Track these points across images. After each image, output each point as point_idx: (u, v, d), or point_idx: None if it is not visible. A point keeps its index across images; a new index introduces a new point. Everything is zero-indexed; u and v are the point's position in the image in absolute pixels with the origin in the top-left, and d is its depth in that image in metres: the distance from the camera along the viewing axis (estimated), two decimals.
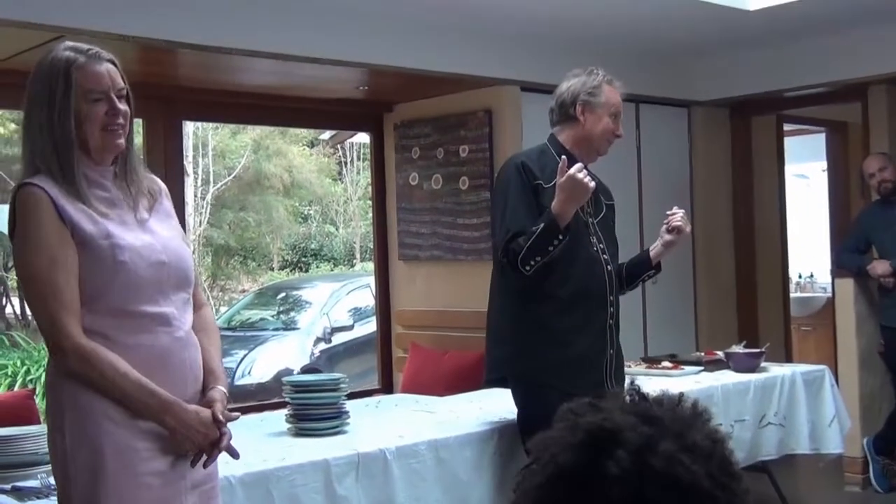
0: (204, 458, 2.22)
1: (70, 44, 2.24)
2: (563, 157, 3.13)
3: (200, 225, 11.13)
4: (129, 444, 2.14)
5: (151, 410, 2.14)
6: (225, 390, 2.31)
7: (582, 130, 3.29)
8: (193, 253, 10.35)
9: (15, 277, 11.10)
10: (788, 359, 6.54)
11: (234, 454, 2.30)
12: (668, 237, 3.46)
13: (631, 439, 1.08)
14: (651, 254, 3.50)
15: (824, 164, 7.91)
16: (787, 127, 7.11)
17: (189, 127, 10.35)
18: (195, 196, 10.79)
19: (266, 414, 4.15)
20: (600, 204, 3.36)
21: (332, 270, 15.23)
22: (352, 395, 5.21)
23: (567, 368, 3.14)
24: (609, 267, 3.26)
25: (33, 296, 2.14)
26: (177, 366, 2.22)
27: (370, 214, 6.37)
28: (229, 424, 2.26)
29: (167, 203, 2.36)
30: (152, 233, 2.25)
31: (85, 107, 2.17)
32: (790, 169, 7.89)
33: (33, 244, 2.11)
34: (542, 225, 3.03)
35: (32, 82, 2.19)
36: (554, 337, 3.18)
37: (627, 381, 1.22)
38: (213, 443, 2.21)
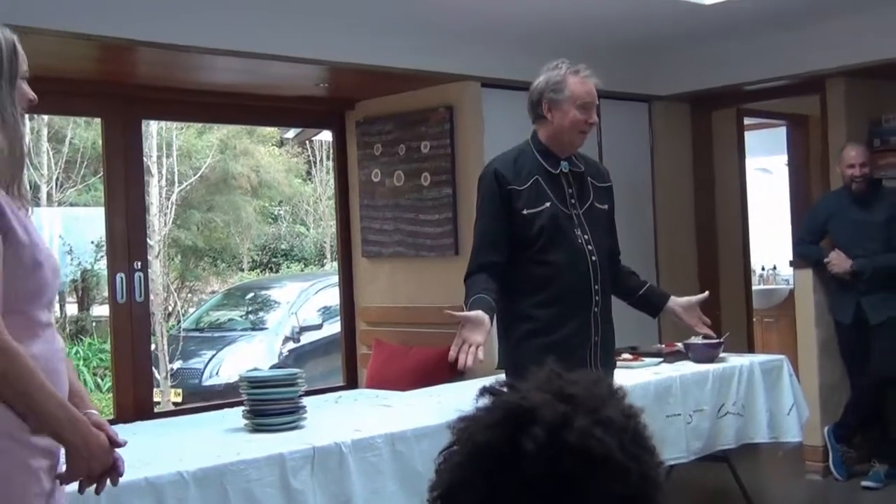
0: (94, 485, 2.06)
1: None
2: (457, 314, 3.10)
3: (166, 226, 11.06)
4: (25, 463, 1.98)
5: (58, 423, 1.96)
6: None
7: (552, 127, 3.30)
8: (158, 255, 10.36)
9: None
10: (751, 350, 6.60)
11: (115, 482, 2.14)
12: (696, 330, 3.56)
13: (547, 416, 1.10)
14: (667, 305, 3.53)
15: (786, 158, 7.99)
16: (748, 121, 7.17)
17: (153, 127, 10.28)
18: (160, 197, 10.72)
19: (225, 411, 4.14)
20: (586, 193, 3.35)
21: (302, 270, 15.20)
22: (317, 392, 5.24)
23: (546, 354, 3.16)
24: (594, 257, 3.27)
25: None
26: (60, 380, 2.06)
27: None
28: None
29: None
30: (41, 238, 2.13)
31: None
32: (753, 163, 7.97)
33: None
34: (468, 301, 3.13)
35: None
36: (537, 327, 3.24)
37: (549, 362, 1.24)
38: (105, 470, 2.05)
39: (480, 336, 3.01)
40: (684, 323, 3.56)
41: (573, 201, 3.30)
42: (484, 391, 1.19)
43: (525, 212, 3.22)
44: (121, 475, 2.12)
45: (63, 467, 2.06)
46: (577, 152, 3.40)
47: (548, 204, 3.24)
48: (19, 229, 2.01)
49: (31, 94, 2.16)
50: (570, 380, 1.17)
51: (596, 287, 3.27)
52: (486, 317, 3.06)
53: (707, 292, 3.70)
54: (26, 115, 2.20)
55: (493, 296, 3.17)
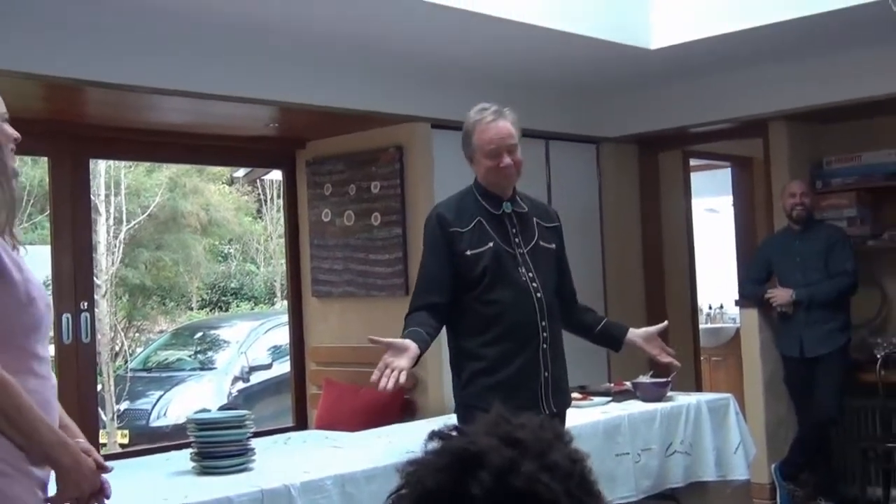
0: None
1: None
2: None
3: (114, 265, 10.95)
4: (32, 490, 2.06)
5: (51, 447, 2.05)
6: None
7: (478, 175, 3.37)
8: (105, 294, 10.22)
9: None
10: (699, 389, 6.66)
11: (108, 493, 2.21)
12: (658, 359, 3.57)
13: (494, 461, 1.12)
14: (627, 338, 3.56)
15: (732, 199, 8.12)
16: (694, 162, 7.29)
17: (101, 165, 10.20)
18: (108, 235, 10.61)
19: (172, 454, 4.09)
20: (531, 232, 3.39)
21: (252, 309, 15.09)
22: (265, 434, 5.19)
23: (495, 392, 3.19)
24: (539, 294, 3.30)
25: None
26: (53, 411, 2.15)
27: None
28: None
29: None
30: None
31: None
32: (702, 203, 8.10)
33: None
34: (402, 335, 3.16)
35: None
36: (485, 366, 3.27)
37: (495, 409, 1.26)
38: (93, 492, 2.13)
39: (404, 361, 3.02)
40: (647, 353, 3.59)
41: (517, 240, 3.34)
42: (433, 435, 1.20)
43: (468, 252, 3.26)
44: (108, 497, 2.18)
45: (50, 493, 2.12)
46: (522, 194, 3.46)
47: (491, 244, 3.28)
48: (13, 268, 2.08)
49: (15, 133, 2.20)
50: (517, 424, 1.19)
51: (543, 323, 3.30)
52: (412, 344, 3.08)
53: (666, 322, 3.71)
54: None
55: (430, 330, 3.20)
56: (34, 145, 5.11)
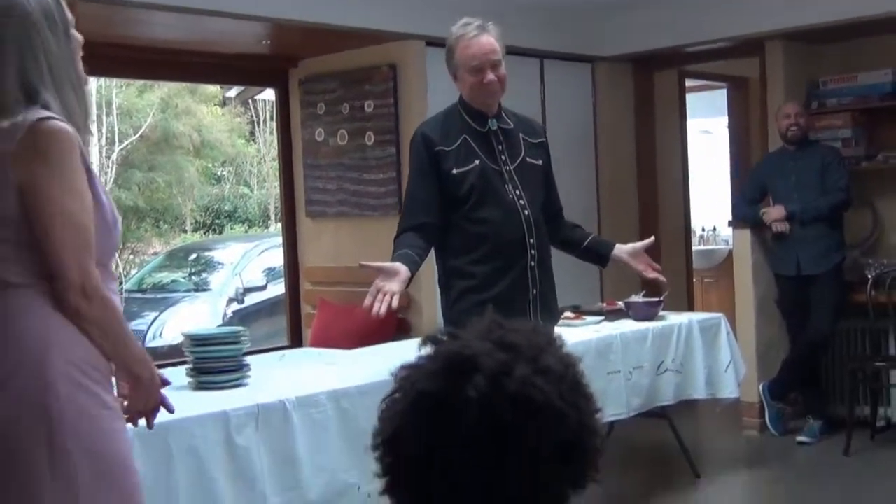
0: (143, 419, 2.25)
1: None
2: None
3: (107, 185, 10.92)
4: (86, 406, 2.07)
5: (135, 362, 2.14)
6: None
7: (463, 92, 3.34)
8: None
9: None
10: (691, 310, 6.70)
11: (172, 408, 2.33)
12: (644, 275, 3.56)
13: (488, 364, 1.13)
14: (613, 254, 3.54)
15: (727, 120, 8.08)
16: (689, 83, 7.23)
17: (92, 84, 10.10)
18: (100, 156, 10.56)
19: (169, 370, 4.11)
20: (517, 149, 3.36)
21: (246, 232, 15.09)
22: (261, 352, 5.23)
23: (483, 308, 3.19)
24: (527, 212, 3.29)
25: (62, 236, 2.03)
26: None
27: None
28: None
29: None
30: None
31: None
32: (695, 124, 8.06)
33: (68, 185, 2.03)
34: (392, 258, 3.16)
35: (6, 19, 2.09)
36: (473, 284, 3.28)
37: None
38: (156, 405, 2.24)
39: (395, 285, 3.04)
40: (633, 269, 3.58)
41: (503, 157, 3.32)
42: (426, 340, 1.22)
43: (454, 171, 3.25)
44: (171, 411, 2.33)
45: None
46: (508, 109, 3.42)
47: (477, 162, 3.26)
48: (101, 189, 2.14)
49: (80, 36, 2.20)
50: (510, 328, 1.20)
51: (531, 241, 3.30)
52: (402, 267, 3.09)
53: (652, 237, 3.69)
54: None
55: (419, 251, 3.21)
56: None
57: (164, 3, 4.39)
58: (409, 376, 1.19)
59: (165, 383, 2.25)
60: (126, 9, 4.37)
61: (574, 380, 1.17)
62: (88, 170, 2.11)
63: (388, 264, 3.10)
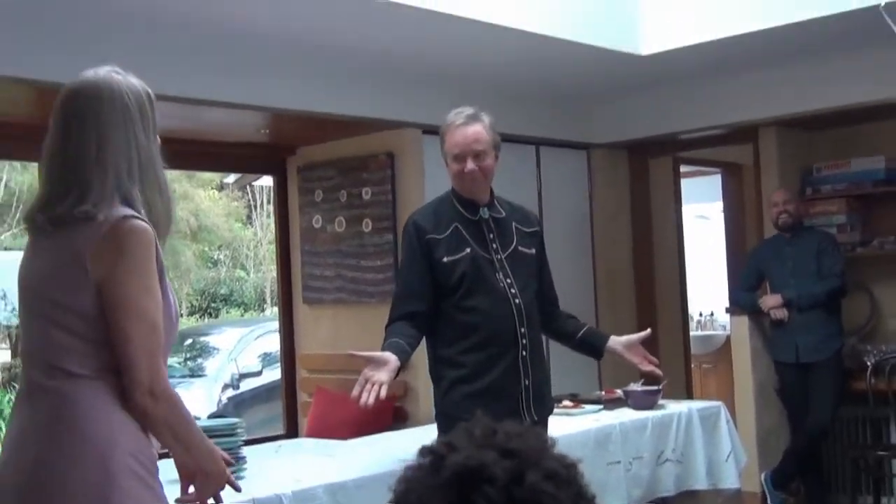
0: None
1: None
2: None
3: None
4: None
5: (204, 458, 2.17)
6: None
7: (450, 179, 3.37)
8: None
9: None
10: (689, 396, 6.65)
11: (238, 487, 2.38)
12: (639, 367, 3.54)
13: (497, 474, 1.11)
14: (607, 346, 3.50)
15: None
16: (684, 168, 7.29)
17: None
18: None
19: (163, 461, 4.06)
20: (509, 237, 3.35)
21: (242, 315, 15.06)
22: (256, 441, 5.17)
23: (474, 400, 3.17)
24: (518, 300, 3.27)
25: (135, 334, 2.06)
26: None
27: None
28: None
29: None
30: None
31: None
32: (692, 209, 8.10)
33: (145, 283, 2.08)
34: (383, 347, 3.16)
35: (111, 108, 2.18)
36: (464, 374, 3.24)
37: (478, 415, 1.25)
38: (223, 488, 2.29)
39: (384, 375, 3.00)
40: (628, 362, 3.54)
41: (495, 246, 3.31)
42: (425, 452, 1.19)
43: (445, 259, 3.24)
44: (238, 490, 2.39)
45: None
46: (501, 198, 3.43)
47: (468, 250, 3.25)
48: (169, 289, 2.20)
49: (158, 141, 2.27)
50: (506, 433, 1.18)
51: (522, 330, 3.27)
52: (391, 356, 3.06)
53: (649, 329, 3.67)
54: None
55: (410, 340, 3.19)
56: (23, 150, 5.09)
57: (166, 94, 4.42)
58: (412, 490, 1.16)
59: (230, 464, 2.29)
60: None
61: (578, 482, 1.15)
62: (161, 269, 2.15)
63: (377, 354, 3.08)
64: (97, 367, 2.09)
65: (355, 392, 2.99)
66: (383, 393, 2.98)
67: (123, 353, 2.06)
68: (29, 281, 2.17)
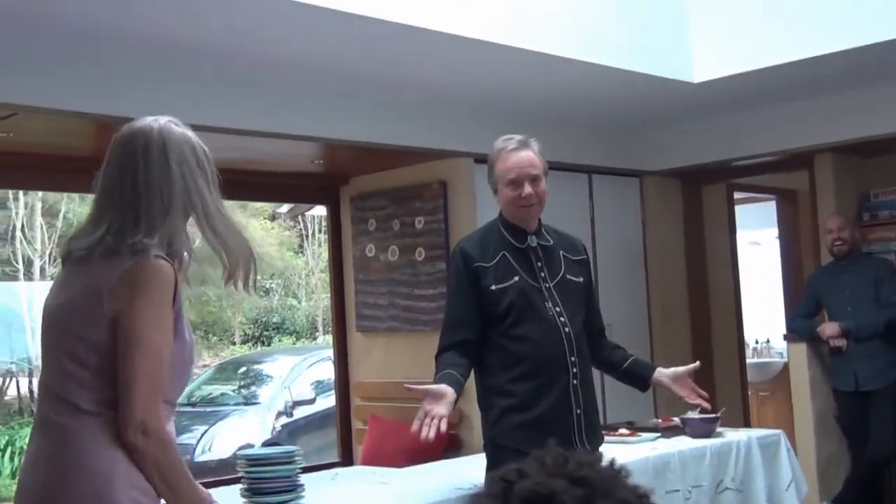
0: None
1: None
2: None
3: None
4: None
5: None
6: None
7: (501, 207, 3.36)
8: None
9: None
10: (747, 424, 6.58)
11: None
12: (687, 401, 3.50)
13: (567, 502, 1.11)
14: (653, 377, 3.49)
15: (776, 231, 8.06)
16: (737, 195, 7.24)
17: None
18: None
19: (222, 489, 4.10)
20: (557, 265, 3.33)
21: (294, 343, 15.15)
22: (312, 469, 5.19)
23: (526, 430, 3.15)
24: (567, 329, 3.24)
25: (137, 365, 2.07)
26: None
27: None
28: None
29: None
30: None
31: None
32: (744, 236, 8.03)
33: (157, 319, 2.10)
34: (435, 378, 3.15)
35: (160, 153, 2.21)
36: (514, 403, 3.22)
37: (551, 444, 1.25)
38: None
39: (443, 408, 2.99)
40: (675, 395, 3.50)
41: (543, 274, 3.29)
42: (495, 479, 1.19)
43: (493, 287, 3.22)
44: None
45: None
46: (548, 226, 3.41)
47: (516, 278, 3.24)
48: (186, 330, 2.19)
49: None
50: (577, 461, 1.18)
51: (572, 359, 3.24)
52: (448, 389, 3.04)
53: (698, 362, 3.61)
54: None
55: (462, 370, 3.17)
56: (81, 182, 5.18)
57: (220, 126, 4.51)
58: None
59: None
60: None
61: None
62: (179, 309, 2.16)
63: (434, 386, 3.07)
64: (101, 402, 2.10)
65: (415, 427, 2.98)
66: (443, 427, 2.97)
67: (124, 386, 2.07)
68: (51, 309, 2.21)
